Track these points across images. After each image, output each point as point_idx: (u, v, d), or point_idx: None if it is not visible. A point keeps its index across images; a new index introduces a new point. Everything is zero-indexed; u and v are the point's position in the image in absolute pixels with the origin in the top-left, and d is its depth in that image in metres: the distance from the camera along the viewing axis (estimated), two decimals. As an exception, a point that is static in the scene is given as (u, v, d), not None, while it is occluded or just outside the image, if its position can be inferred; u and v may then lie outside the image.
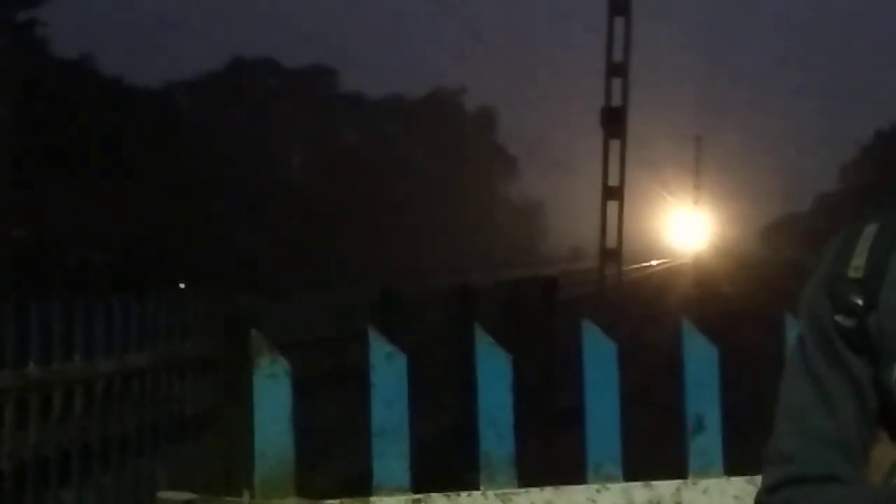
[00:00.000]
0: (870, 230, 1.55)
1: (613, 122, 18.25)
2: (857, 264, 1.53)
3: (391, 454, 2.43)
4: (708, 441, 2.48)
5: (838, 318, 1.53)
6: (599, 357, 2.51)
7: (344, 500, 2.42)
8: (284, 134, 49.28)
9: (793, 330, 2.44)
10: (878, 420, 1.52)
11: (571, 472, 2.47)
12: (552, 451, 2.75)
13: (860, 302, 1.52)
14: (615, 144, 18.32)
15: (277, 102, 50.42)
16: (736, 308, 22.17)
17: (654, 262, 62.57)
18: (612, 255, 18.63)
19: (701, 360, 2.50)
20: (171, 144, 39.39)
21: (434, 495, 2.44)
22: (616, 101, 18.24)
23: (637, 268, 47.19)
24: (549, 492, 2.45)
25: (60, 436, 4.78)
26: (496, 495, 2.44)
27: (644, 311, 20.07)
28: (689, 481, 2.47)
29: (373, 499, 2.42)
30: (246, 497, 2.30)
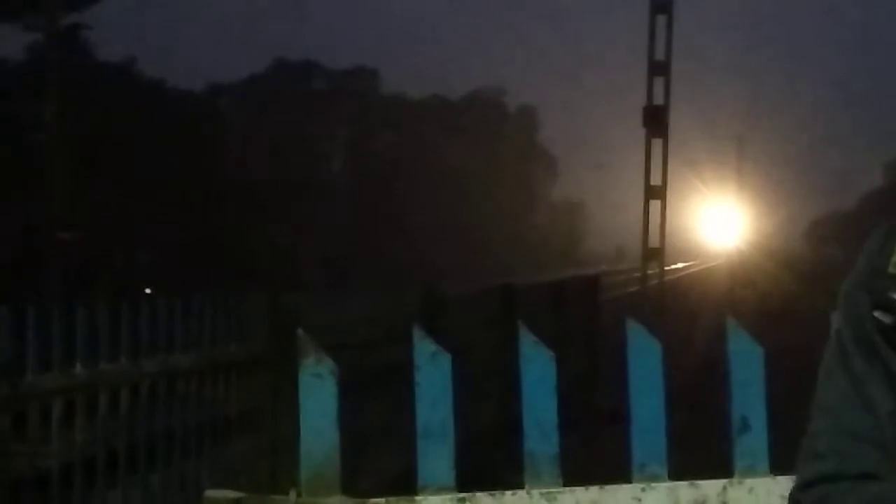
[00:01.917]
0: None
1: (656, 121, 18.14)
2: None
3: (436, 453, 2.43)
4: (753, 440, 2.47)
5: (877, 313, 1.51)
6: (644, 356, 2.50)
7: (389, 499, 2.42)
8: (327, 136, 49.51)
9: (836, 322, 2.43)
10: None
11: (616, 471, 2.47)
12: (597, 451, 2.74)
13: None
14: (657, 144, 18.22)
15: (320, 104, 50.57)
16: (780, 307, 22.04)
17: (696, 262, 62.33)
18: (654, 254, 18.54)
19: (746, 359, 2.49)
20: (214, 147, 39.62)
21: (479, 494, 2.44)
22: (658, 99, 18.12)
23: (680, 267, 47.03)
24: (594, 491, 2.44)
25: (107, 436, 4.81)
26: (541, 494, 2.44)
27: (688, 311, 20.01)
28: (734, 480, 2.46)
29: (418, 498, 2.42)
30: (292, 495, 2.31)
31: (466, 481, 2.44)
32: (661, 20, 18.00)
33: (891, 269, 1.51)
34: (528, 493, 2.44)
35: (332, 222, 43.73)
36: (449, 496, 2.42)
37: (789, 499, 1.57)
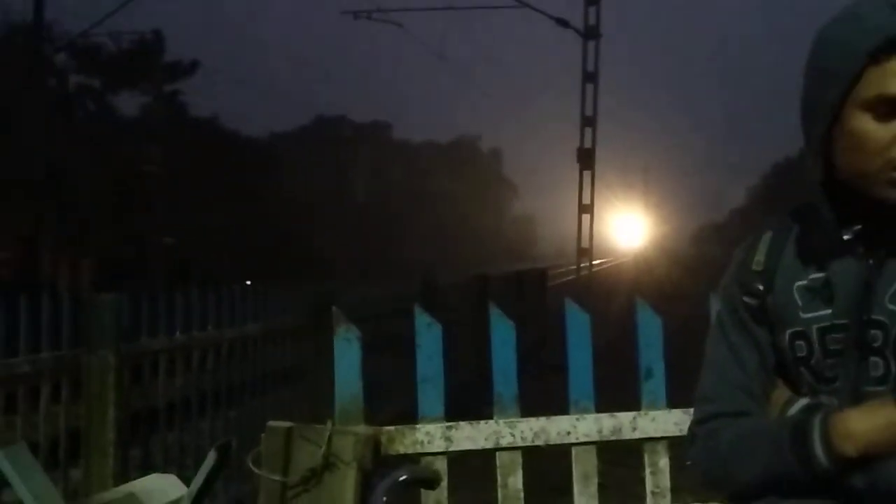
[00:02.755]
0: (766, 237, 1.55)
1: (586, 158, 18.21)
2: (759, 261, 1.53)
3: (431, 395, 2.43)
4: (654, 385, 2.47)
5: (746, 298, 1.54)
6: (577, 324, 2.49)
7: (398, 427, 2.42)
8: (353, 170, 49.36)
9: (716, 304, 2.43)
10: (775, 371, 1.52)
11: (558, 406, 2.46)
12: (544, 392, 2.74)
13: (761, 287, 1.52)
14: (587, 175, 18.29)
15: (348, 147, 50.46)
16: (671, 289, 22.04)
17: (614, 258, 62.24)
18: (585, 253, 18.56)
19: (649, 326, 2.48)
20: (274, 178, 39.54)
21: (461, 423, 2.43)
22: (588, 144, 18.20)
23: (603, 262, 46.88)
24: (542, 420, 2.44)
25: (199, 384, 4.80)
26: (505, 423, 2.43)
27: (608, 292, 19.99)
28: (641, 412, 2.46)
29: (418, 426, 2.42)
30: (329, 425, 2.30)
31: (452, 414, 2.44)
32: (590, 88, 18.04)
33: (754, 268, 1.53)
34: (496, 422, 2.44)
35: (357, 232, 43.64)
36: (440, 425, 2.42)
37: (687, 431, 1.58)
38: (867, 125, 1.36)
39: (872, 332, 1.39)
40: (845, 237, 1.42)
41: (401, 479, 1.74)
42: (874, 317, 1.39)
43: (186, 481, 2.31)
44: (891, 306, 1.38)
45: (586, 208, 18.36)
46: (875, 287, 1.40)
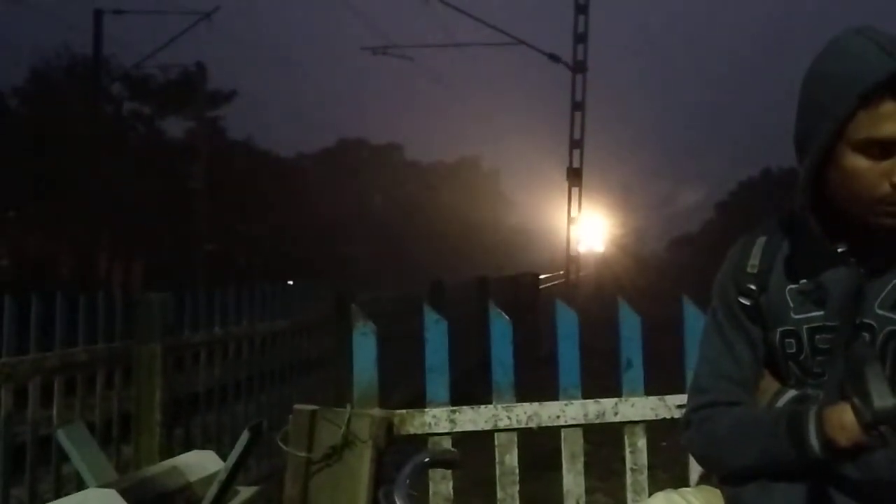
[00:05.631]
0: (760, 241, 1.51)
1: (574, 177, 18.20)
2: (753, 263, 1.50)
3: (437, 382, 2.42)
4: (634, 374, 2.46)
5: (740, 298, 1.50)
6: (566, 321, 2.48)
7: (409, 410, 2.41)
8: (371, 186, 49.35)
9: (689, 305, 2.41)
10: (765, 364, 1.50)
11: (549, 393, 2.46)
12: (537, 381, 2.73)
13: (754, 288, 1.49)
14: (575, 191, 18.28)
15: (367, 167, 50.49)
16: (648, 290, 21.99)
17: (593, 266, 62.05)
18: (573, 260, 18.56)
19: (629, 322, 2.47)
20: (301, 193, 39.58)
21: (464, 407, 2.43)
22: (576, 164, 18.20)
23: (586, 269, 46.73)
24: (535, 405, 2.44)
25: (234, 372, 4.80)
26: (503, 407, 2.43)
27: (592, 293, 19.96)
28: (622, 398, 2.45)
29: (426, 409, 2.41)
30: (349, 408, 2.30)
31: (456, 400, 2.44)
32: (578, 115, 18.06)
33: (749, 270, 1.50)
34: (494, 406, 2.43)
35: (374, 241, 43.65)
36: (445, 409, 2.41)
37: (682, 418, 1.55)
38: (858, 163, 1.32)
39: (862, 333, 1.37)
40: (840, 250, 1.40)
41: (424, 461, 1.71)
42: (864, 320, 1.38)
43: (223, 457, 2.31)
44: (880, 311, 1.37)
45: (574, 220, 18.35)
46: (866, 294, 1.38)
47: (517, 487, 2.40)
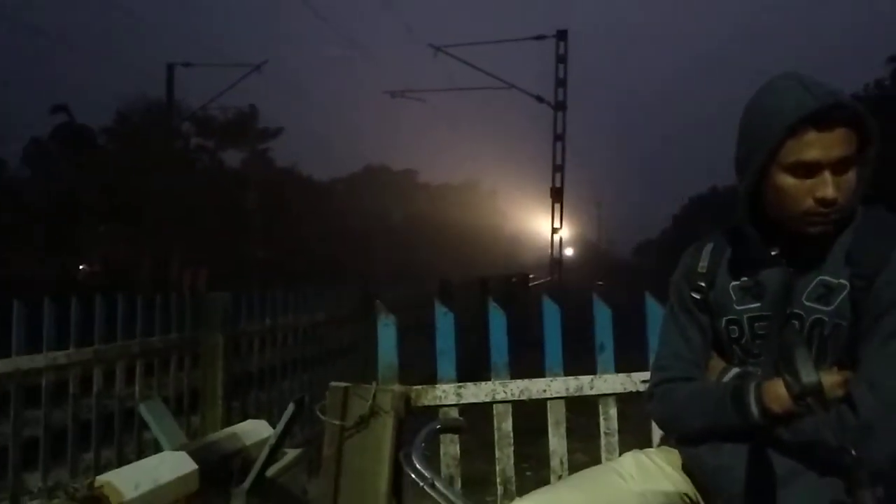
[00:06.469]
0: (708, 247, 1.52)
1: (557, 195, 18.19)
2: (703, 265, 1.50)
3: (446, 363, 2.42)
4: (606, 356, 2.45)
5: (692, 293, 1.51)
6: (551, 313, 2.48)
7: (423, 386, 2.41)
8: (390, 205, 49.34)
9: (650, 299, 2.40)
10: (713, 347, 1.50)
11: (536, 372, 2.45)
12: (527, 362, 2.72)
13: (704, 285, 1.49)
14: (558, 206, 18.25)
15: (387, 188, 50.47)
16: (621, 288, 21.85)
17: (575, 269, 61.91)
18: (557, 262, 18.51)
19: (602, 314, 2.46)
20: (334, 210, 39.63)
21: (468, 383, 2.42)
22: (558, 184, 18.19)
23: (568, 270, 46.57)
24: (526, 381, 2.43)
25: (282, 356, 4.76)
26: (499, 383, 2.42)
27: (572, 290, 19.89)
28: (597, 376, 2.44)
29: (437, 385, 2.41)
30: (374, 385, 2.30)
31: (461, 377, 2.43)
32: (559, 145, 18.04)
33: (699, 270, 1.50)
34: (493, 383, 2.42)
35: (393, 248, 43.62)
36: (453, 385, 2.40)
37: (645, 392, 1.55)
38: (788, 182, 1.33)
39: (792, 321, 1.38)
40: (773, 252, 1.41)
41: (436, 427, 1.70)
42: (794, 310, 1.38)
43: (273, 425, 2.31)
44: (807, 303, 1.37)
45: (556, 230, 18.32)
46: (795, 288, 1.39)
47: (512, 448, 2.40)
